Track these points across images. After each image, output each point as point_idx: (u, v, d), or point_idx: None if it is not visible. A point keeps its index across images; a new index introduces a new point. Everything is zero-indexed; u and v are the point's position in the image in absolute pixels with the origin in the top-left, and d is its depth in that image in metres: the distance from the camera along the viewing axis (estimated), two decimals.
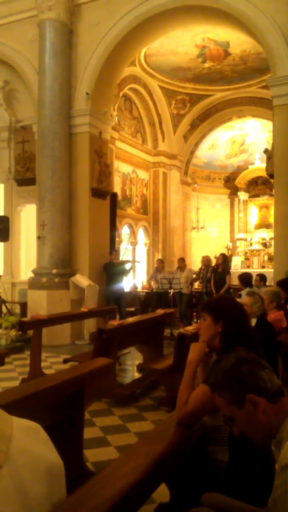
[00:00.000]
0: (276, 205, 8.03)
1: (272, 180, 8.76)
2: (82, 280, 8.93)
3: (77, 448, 3.09)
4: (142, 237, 14.92)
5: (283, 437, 1.37)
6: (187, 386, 2.16)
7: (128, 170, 13.88)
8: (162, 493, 2.50)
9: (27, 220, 10.73)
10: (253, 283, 7.93)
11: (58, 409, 2.91)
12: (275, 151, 7.81)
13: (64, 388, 2.87)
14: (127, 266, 10.16)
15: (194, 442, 2.20)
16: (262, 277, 8.13)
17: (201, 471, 2.18)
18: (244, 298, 4.69)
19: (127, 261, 10.43)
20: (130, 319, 6.56)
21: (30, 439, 1.06)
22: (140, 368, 6.57)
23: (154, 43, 10.93)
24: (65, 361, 5.85)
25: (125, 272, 10.02)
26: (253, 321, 4.26)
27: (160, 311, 6.92)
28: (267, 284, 8.28)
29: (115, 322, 5.70)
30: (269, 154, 8.71)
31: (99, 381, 3.47)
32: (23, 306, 9.57)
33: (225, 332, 2.19)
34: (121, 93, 12.58)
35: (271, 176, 8.29)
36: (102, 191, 9.66)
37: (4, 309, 9.18)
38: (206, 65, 12.84)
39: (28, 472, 1.00)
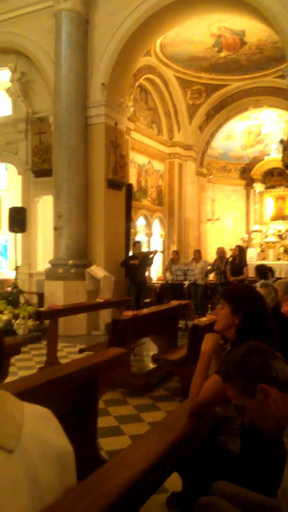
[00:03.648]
0: None
1: None
2: (97, 271, 8.97)
3: (91, 436, 3.13)
4: (157, 228, 14.90)
5: None
6: (200, 376, 2.15)
7: (144, 161, 13.83)
8: (174, 482, 2.52)
9: (44, 211, 10.81)
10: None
11: (73, 397, 2.94)
12: None
13: (79, 377, 2.90)
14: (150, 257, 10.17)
15: (206, 432, 2.21)
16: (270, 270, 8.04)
17: (213, 461, 2.19)
18: (258, 290, 4.65)
19: (151, 252, 10.42)
20: (145, 310, 6.58)
21: (41, 425, 1.08)
22: (154, 358, 6.58)
23: (170, 32, 10.84)
24: (81, 351, 5.90)
25: (148, 264, 10.06)
26: None
27: (174, 302, 6.91)
28: (283, 276, 8.19)
29: (130, 313, 5.72)
30: (285, 145, 8.62)
31: (113, 371, 3.49)
32: (40, 296, 9.67)
33: (241, 325, 2.14)
34: (136, 84, 12.51)
35: (287, 167, 8.20)
36: (117, 182, 9.66)
37: (21, 300, 9.29)
38: (222, 54, 12.69)
39: (39, 458, 1.02)
